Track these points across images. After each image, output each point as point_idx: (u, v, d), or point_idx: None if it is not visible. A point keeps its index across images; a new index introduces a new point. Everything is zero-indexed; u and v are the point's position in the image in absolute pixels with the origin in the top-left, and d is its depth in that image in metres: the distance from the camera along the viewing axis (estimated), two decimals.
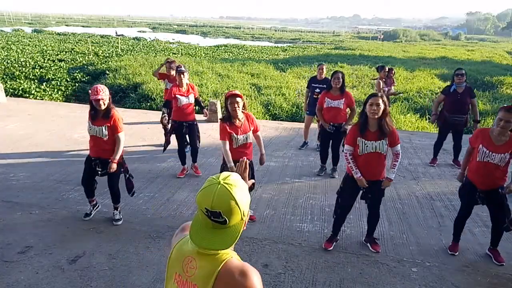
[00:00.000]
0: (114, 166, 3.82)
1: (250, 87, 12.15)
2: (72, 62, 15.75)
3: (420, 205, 4.72)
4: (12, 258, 3.39)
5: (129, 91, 11.27)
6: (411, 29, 72.05)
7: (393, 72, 7.46)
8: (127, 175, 4.08)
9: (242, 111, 3.74)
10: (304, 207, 4.60)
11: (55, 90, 11.37)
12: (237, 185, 1.25)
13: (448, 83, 6.27)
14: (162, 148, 6.49)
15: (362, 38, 55.60)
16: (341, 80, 5.13)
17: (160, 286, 3.12)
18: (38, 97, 10.65)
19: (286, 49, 28.69)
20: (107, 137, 3.77)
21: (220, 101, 9.04)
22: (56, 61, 15.75)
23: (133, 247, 3.63)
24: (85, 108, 3.95)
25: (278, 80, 13.40)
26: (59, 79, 12.26)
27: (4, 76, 12.35)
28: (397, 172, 5.75)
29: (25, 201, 4.47)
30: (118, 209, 4.14)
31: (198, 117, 5.52)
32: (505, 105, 3.77)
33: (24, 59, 14.98)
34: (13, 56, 15.81)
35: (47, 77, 12.46)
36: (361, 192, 3.58)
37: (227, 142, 3.75)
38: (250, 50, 26.54)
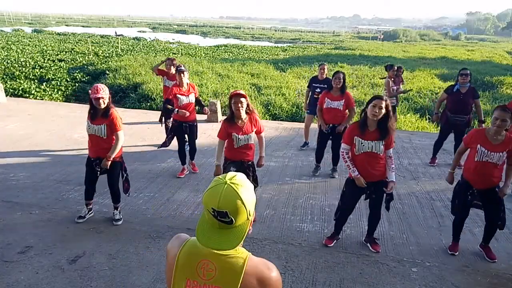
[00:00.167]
0: (107, 163, 3.80)
1: (250, 87, 12.15)
2: (72, 62, 15.75)
3: (420, 205, 4.72)
4: (12, 258, 3.39)
5: (129, 91, 11.27)
6: (411, 29, 72.07)
7: (402, 70, 7.45)
8: (125, 174, 4.08)
9: (246, 112, 3.72)
10: (304, 207, 4.60)
11: (55, 90, 11.36)
12: (243, 185, 1.27)
13: (449, 83, 6.26)
14: (157, 147, 6.52)
15: (362, 38, 55.62)
16: (342, 80, 5.12)
17: (160, 286, 3.12)
18: (38, 97, 10.65)
19: (286, 49, 28.69)
20: (106, 136, 3.78)
21: (220, 101, 9.05)
22: (56, 61, 15.75)
23: (133, 247, 3.63)
24: (85, 108, 3.94)
25: (278, 80, 13.40)
26: (59, 79, 12.26)
27: (4, 76, 12.35)
28: (397, 172, 5.77)
29: (25, 201, 4.47)
30: (118, 209, 4.14)
31: (198, 117, 5.51)
32: (500, 104, 3.78)
33: (24, 59, 14.98)
34: (13, 56, 15.81)
35: (47, 77, 12.46)
36: (364, 194, 3.59)
37: (223, 142, 3.79)
38: (250, 50, 26.54)
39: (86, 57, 17.46)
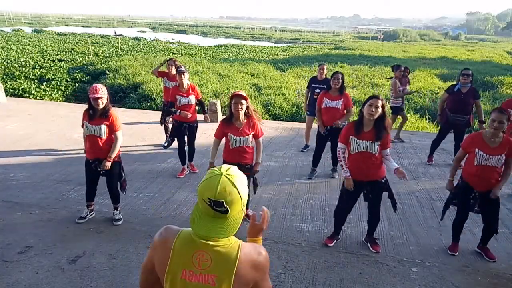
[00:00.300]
0: (108, 164, 3.79)
1: (250, 87, 12.15)
2: (72, 62, 15.76)
3: (420, 205, 4.72)
4: (12, 258, 3.39)
5: (129, 91, 11.28)
6: (411, 29, 72.06)
7: (408, 71, 7.43)
8: (123, 174, 4.08)
9: (246, 114, 3.68)
10: (304, 207, 4.60)
11: (55, 90, 11.37)
12: (238, 176, 1.33)
13: (449, 83, 6.27)
14: (163, 146, 6.54)
15: (362, 38, 55.63)
16: (340, 80, 5.12)
17: None
18: (38, 97, 10.65)
19: (286, 49, 28.70)
20: (105, 136, 3.76)
21: (220, 101, 9.05)
22: (56, 61, 15.76)
23: (133, 247, 3.63)
24: (85, 108, 3.92)
25: (278, 80, 13.40)
26: (59, 79, 12.26)
27: (4, 76, 12.35)
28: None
29: (25, 201, 4.47)
30: (118, 209, 4.14)
31: (198, 117, 5.51)
32: (498, 107, 3.79)
33: (24, 59, 14.99)
34: (13, 56, 15.82)
35: (47, 77, 12.46)
36: (363, 194, 3.60)
37: (218, 141, 3.81)
38: (250, 50, 26.55)
39: (86, 57, 17.46)
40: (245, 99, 3.58)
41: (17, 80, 11.87)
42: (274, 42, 42.19)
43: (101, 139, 3.77)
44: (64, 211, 4.28)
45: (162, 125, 6.61)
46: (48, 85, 11.59)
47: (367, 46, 33.21)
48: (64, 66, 14.58)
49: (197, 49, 24.68)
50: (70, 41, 26.03)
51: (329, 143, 5.47)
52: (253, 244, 1.44)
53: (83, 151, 4.04)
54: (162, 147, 6.54)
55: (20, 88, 10.84)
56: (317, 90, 6.16)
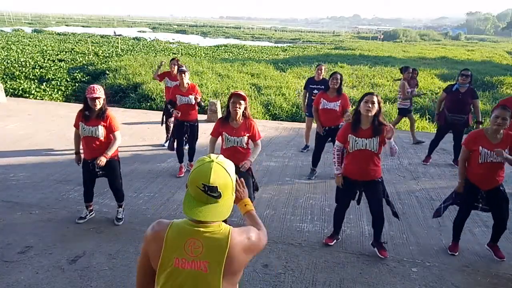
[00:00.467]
0: (104, 160, 3.67)
1: (250, 87, 12.15)
2: (72, 62, 15.76)
3: (420, 205, 4.72)
4: (12, 258, 3.39)
5: (129, 91, 11.28)
6: (411, 29, 72.07)
7: (416, 73, 7.38)
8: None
9: (245, 115, 3.62)
10: (304, 207, 4.60)
11: (55, 90, 11.37)
12: (228, 164, 1.45)
13: (449, 83, 6.27)
14: (163, 146, 6.55)
15: (362, 38, 55.63)
16: (339, 81, 5.10)
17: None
18: (38, 97, 10.65)
19: (286, 49, 28.70)
20: (102, 137, 3.74)
21: (220, 101, 9.05)
22: (56, 61, 15.76)
23: (133, 247, 3.63)
24: (80, 109, 3.88)
25: (278, 80, 13.40)
26: (59, 79, 12.26)
27: (4, 76, 12.36)
28: (397, 172, 5.78)
29: (25, 201, 4.47)
30: (123, 207, 4.13)
31: (198, 117, 5.52)
32: (501, 103, 3.77)
33: (24, 59, 14.99)
34: (13, 56, 15.82)
35: (47, 77, 12.46)
36: (357, 198, 3.60)
37: (214, 139, 3.77)
38: (250, 50, 26.55)
39: (86, 57, 17.46)
40: (244, 99, 3.53)
41: (17, 80, 11.87)
42: (274, 42, 42.19)
43: (98, 140, 3.74)
44: (64, 211, 4.28)
45: (162, 125, 6.61)
46: (48, 85, 11.59)
47: (367, 46, 33.21)
48: (64, 66, 14.58)
49: (197, 49, 24.68)
50: (70, 41, 26.03)
51: (329, 144, 5.45)
52: (242, 228, 1.48)
53: (75, 152, 4.00)
54: (162, 147, 6.55)
55: (20, 88, 10.84)
56: (315, 91, 6.15)
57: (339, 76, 5.12)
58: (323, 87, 5.95)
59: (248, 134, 3.63)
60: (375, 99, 3.24)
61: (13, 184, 4.93)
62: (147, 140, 6.96)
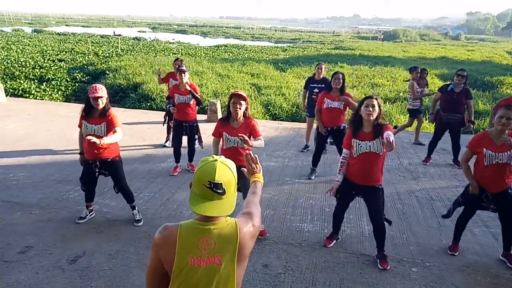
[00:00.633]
0: (95, 139, 3.40)
1: (250, 87, 12.15)
2: (72, 62, 15.76)
3: (420, 205, 4.72)
4: (12, 258, 3.39)
5: (129, 91, 11.28)
6: (411, 29, 72.07)
7: (426, 73, 7.32)
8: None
9: (245, 115, 3.60)
10: (304, 207, 4.60)
11: (55, 90, 11.37)
12: (230, 163, 1.55)
13: (449, 83, 6.28)
14: (163, 146, 6.55)
15: (362, 38, 55.63)
16: (341, 80, 5.08)
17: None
18: (38, 97, 10.65)
19: (286, 49, 28.70)
20: (105, 135, 3.72)
21: (220, 101, 9.05)
22: (56, 61, 15.76)
23: (133, 247, 3.63)
24: (82, 108, 3.86)
25: (278, 80, 13.40)
26: (59, 79, 12.27)
27: (4, 76, 12.36)
28: (397, 172, 5.78)
29: (25, 201, 4.47)
30: (136, 208, 4.10)
31: (198, 117, 5.52)
32: (502, 102, 3.74)
33: (24, 59, 14.99)
34: (13, 56, 15.82)
35: (47, 77, 12.46)
36: (355, 196, 3.55)
37: (217, 139, 3.74)
38: (250, 50, 26.55)
39: (86, 57, 17.47)
40: (244, 99, 3.52)
41: (17, 80, 11.87)
42: (274, 42, 42.19)
43: (101, 138, 3.74)
44: (64, 211, 4.28)
45: (164, 125, 6.61)
46: (48, 85, 11.59)
47: (367, 46, 33.21)
48: (64, 66, 14.59)
49: (197, 49, 24.68)
50: (70, 41, 26.03)
51: (334, 147, 5.42)
52: (242, 218, 1.59)
53: (80, 152, 3.99)
54: (162, 147, 6.55)
55: (20, 88, 10.84)
56: (316, 90, 6.15)
57: (341, 76, 5.09)
58: (323, 86, 5.94)
59: (248, 134, 3.62)
60: (375, 102, 3.23)
61: (13, 184, 4.93)
62: (147, 140, 6.97)
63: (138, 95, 10.70)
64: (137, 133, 7.32)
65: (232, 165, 1.55)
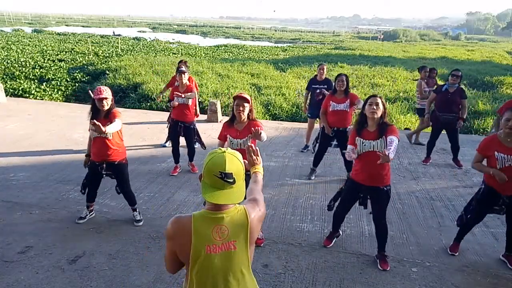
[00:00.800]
0: (99, 124, 3.37)
1: (250, 87, 12.15)
2: (72, 62, 15.74)
3: (420, 205, 4.72)
4: (12, 258, 3.40)
5: (129, 91, 11.27)
6: (411, 29, 72.01)
7: (435, 72, 7.28)
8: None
9: (249, 117, 3.58)
10: (304, 207, 4.60)
11: (55, 90, 11.36)
12: (238, 154, 1.65)
13: (443, 83, 6.31)
14: (163, 146, 6.56)
15: (362, 38, 55.61)
16: (345, 82, 5.04)
17: (160, 286, 3.12)
18: (38, 97, 10.64)
19: (286, 49, 28.68)
20: (112, 136, 3.74)
21: (220, 101, 9.04)
22: (56, 61, 15.74)
23: (133, 247, 3.63)
24: (85, 108, 3.91)
25: (278, 80, 13.39)
26: (59, 79, 12.26)
27: (4, 76, 12.35)
28: (397, 172, 5.78)
29: (25, 201, 4.47)
30: (137, 210, 4.12)
31: (199, 117, 5.52)
32: (507, 105, 3.74)
33: (24, 59, 14.98)
34: (13, 56, 15.81)
35: (47, 77, 12.45)
36: (361, 198, 3.53)
37: (222, 143, 3.73)
38: (250, 50, 26.53)
39: (86, 57, 17.45)
40: (247, 101, 3.49)
41: (17, 80, 11.86)
42: (274, 42, 42.17)
43: (108, 140, 3.73)
44: (64, 211, 4.28)
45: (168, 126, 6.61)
46: (48, 85, 11.58)
47: (367, 46, 33.19)
48: (64, 66, 14.57)
49: (197, 49, 24.67)
50: (70, 41, 26.02)
51: (337, 149, 5.40)
52: (248, 204, 1.70)
53: (83, 151, 4.01)
54: (162, 147, 6.55)
55: (20, 88, 10.84)
56: (318, 91, 6.15)
57: (344, 78, 5.05)
58: (326, 86, 5.94)
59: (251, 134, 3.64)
60: (379, 100, 3.24)
61: (13, 184, 4.93)
62: (147, 140, 6.97)
63: (138, 95, 10.69)
64: (137, 133, 7.32)
65: (239, 156, 1.64)
